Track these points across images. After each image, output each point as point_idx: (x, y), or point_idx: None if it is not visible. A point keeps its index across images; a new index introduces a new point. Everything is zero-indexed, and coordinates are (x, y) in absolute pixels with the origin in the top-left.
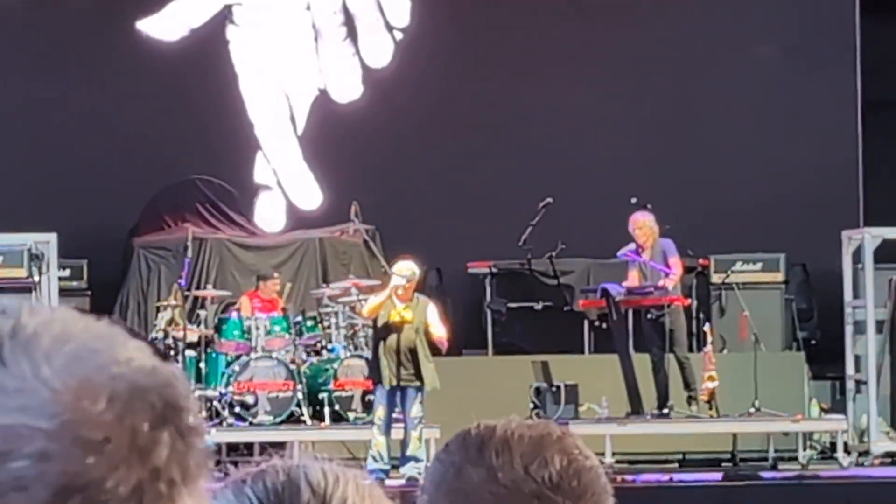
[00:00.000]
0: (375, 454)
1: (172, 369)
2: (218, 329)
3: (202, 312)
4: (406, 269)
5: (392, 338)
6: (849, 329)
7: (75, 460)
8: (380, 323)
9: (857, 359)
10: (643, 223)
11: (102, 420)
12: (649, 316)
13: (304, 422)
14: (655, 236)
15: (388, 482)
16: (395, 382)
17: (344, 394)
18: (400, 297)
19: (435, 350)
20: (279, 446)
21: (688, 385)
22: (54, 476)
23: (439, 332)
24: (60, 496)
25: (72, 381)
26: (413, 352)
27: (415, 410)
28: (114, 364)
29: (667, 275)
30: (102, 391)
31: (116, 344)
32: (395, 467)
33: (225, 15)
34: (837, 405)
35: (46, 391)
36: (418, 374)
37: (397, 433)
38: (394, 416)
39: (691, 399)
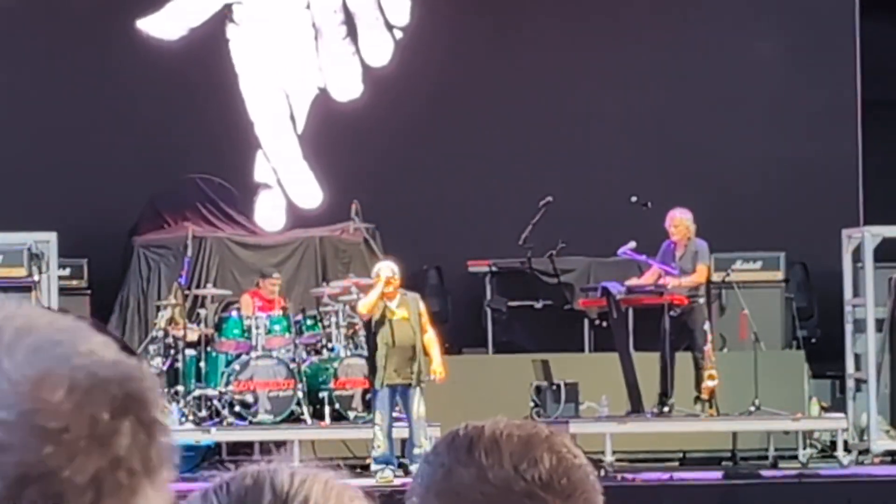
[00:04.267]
0: (379, 456)
1: (138, 364)
2: (218, 328)
3: (202, 311)
4: (388, 269)
5: (393, 336)
6: (849, 328)
7: (32, 450)
8: (377, 322)
9: (857, 357)
10: (680, 221)
11: (61, 409)
12: (672, 314)
13: (305, 421)
14: (691, 235)
15: (394, 482)
16: (396, 381)
17: (344, 393)
18: (388, 295)
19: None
20: (279, 445)
21: (699, 385)
22: (10, 467)
23: (436, 361)
24: (16, 487)
25: (31, 373)
26: (413, 349)
27: (420, 409)
28: (75, 355)
29: (668, 273)
30: (61, 381)
31: (79, 337)
32: (398, 466)
33: (225, 14)
34: (837, 404)
35: (4, 383)
36: (418, 372)
37: (397, 433)
38: (394, 415)
39: (699, 398)
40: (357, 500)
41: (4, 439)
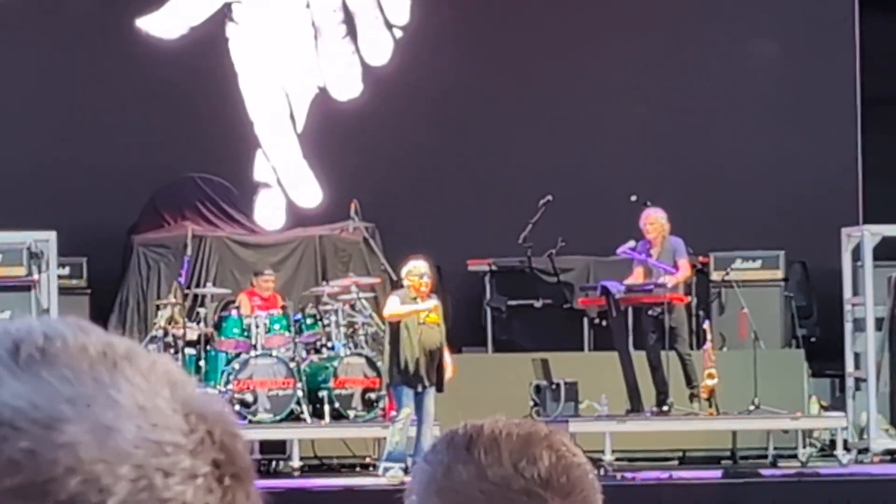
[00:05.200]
0: (398, 455)
1: None
2: (218, 327)
3: (202, 310)
4: (423, 268)
5: (423, 339)
6: (848, 326)
7: (213, 481)
8: (409, 323)
9: (856, 356)
10: (655, 219)
11: (224, 444)
12: (650, 313)
13: (304, 420)
14: (666, 234)
15: (405, 479)
16: (426, 384)
17: (344, 392)
18: (421, 294)
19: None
20: (279, 444)
21: (689, 382)
22: (203, 494)
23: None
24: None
25: (179, 401)
26: (438, 352)
27: (433, 409)
28: (188, 383)
29: (667, 272)
30: (207, 414)
31: (170, 362)
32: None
33: (225, 13)
34: (837, 403)
35: (169, 410)
36: (440, 375)
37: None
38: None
39: (693, 396)
40: None
41: (194, 466)
